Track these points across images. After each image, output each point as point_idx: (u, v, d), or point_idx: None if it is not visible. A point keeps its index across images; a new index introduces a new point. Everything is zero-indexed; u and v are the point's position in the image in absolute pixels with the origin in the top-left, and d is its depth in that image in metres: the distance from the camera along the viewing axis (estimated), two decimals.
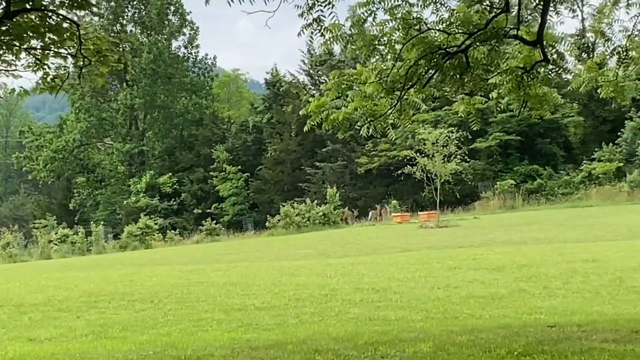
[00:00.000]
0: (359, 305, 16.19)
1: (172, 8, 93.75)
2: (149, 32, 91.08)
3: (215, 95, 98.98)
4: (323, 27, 9.86)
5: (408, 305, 15.85)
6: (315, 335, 11.92)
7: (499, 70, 10.97)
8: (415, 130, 51.10)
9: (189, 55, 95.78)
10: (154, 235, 62.72)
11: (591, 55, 64.45)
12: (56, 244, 60.23)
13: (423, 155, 46.58)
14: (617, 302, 15.20)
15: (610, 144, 62.78)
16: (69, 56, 9.85)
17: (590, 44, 69.64)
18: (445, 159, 45.89)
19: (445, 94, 12.06)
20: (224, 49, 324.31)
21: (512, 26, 10.35)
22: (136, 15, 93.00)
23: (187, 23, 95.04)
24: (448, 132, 46.32)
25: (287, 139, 77.32)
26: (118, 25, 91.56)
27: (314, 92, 75.04)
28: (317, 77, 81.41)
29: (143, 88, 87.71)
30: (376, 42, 10.40)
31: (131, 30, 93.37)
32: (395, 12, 10.01)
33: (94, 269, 32.63)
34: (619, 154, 61.49)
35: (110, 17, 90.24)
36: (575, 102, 65.28)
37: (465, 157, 49.26)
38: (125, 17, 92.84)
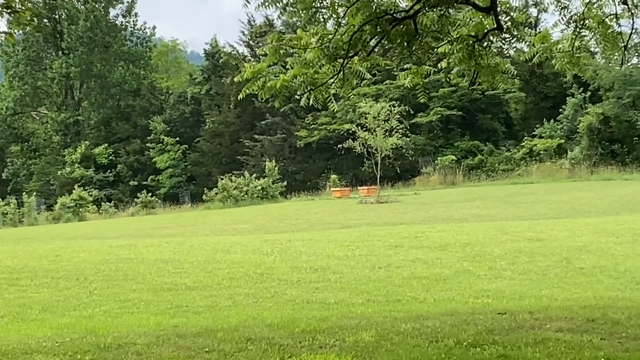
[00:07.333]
0: (296, 286, 15.47)
1: None
2: None
3: (154, 65, 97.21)
4: None
5: (348, 286, 15.16)
6: (248, 320, 11.11)
7: (449, 39, 10.20)
8: (356, 104, 50.39)
9: (126, 24, 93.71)
10: (88, 207, 61.48)
11: (535, 30, 64.19)
12: None
13: (364, 129, 45.88)
14: (566, 284, 14.66)
15: (552, 121, 62.78)
16: None
17: (533, 19, 69.41)
18: (387, 134, 45.25)
19: (388, 66, 11.31)
20: (162, 18, 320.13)
21: None
22: None
23: None
24: (390, 106, 45.61)
25: (226, 111, 76.12)
26: None
27: (254, 63, 73.86)
28: (257, 49, 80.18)
29: (79, 56, 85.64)
30: (317, 5, 9.52)
31: None
32: None
33: (21, 242, 31.51)
34: (560, 131, 61.56)
35: None
36: (517, 78, 65.17)
37: (407, 131, 48.69)
38: None
